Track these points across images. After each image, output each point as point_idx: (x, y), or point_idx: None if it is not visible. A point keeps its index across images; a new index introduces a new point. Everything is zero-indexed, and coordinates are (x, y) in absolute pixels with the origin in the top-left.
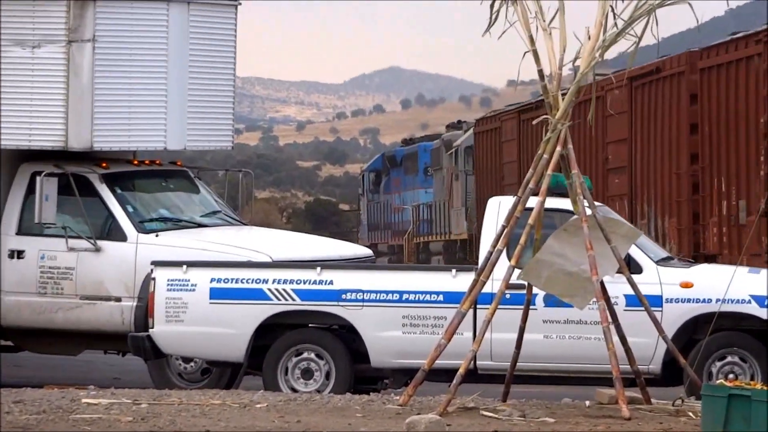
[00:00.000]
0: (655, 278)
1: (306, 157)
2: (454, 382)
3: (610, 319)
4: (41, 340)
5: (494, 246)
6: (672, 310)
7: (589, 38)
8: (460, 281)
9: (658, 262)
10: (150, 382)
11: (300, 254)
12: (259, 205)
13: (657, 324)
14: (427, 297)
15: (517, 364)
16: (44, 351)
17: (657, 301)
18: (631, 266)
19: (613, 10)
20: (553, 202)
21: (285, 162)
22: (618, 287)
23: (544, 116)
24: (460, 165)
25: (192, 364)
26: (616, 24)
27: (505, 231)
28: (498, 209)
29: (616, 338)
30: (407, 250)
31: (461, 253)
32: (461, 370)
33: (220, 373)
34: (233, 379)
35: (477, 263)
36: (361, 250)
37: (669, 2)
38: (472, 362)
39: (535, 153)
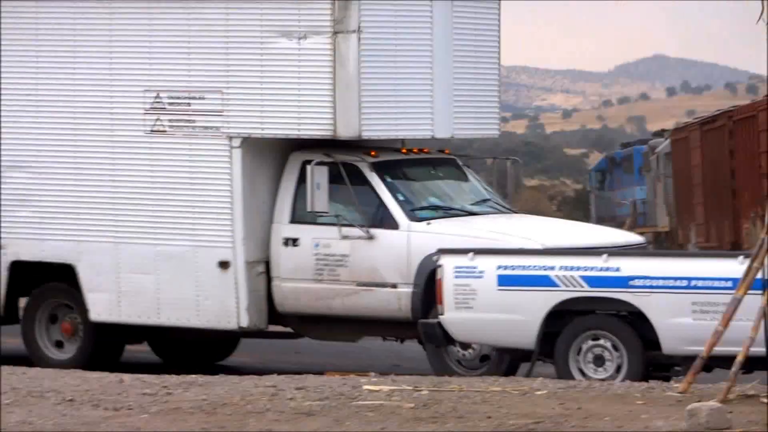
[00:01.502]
0: None
1: (573, 145)
2: (734, 368)
3: None
4: (320, 326)
5: (766, 232)
6: None
7: None
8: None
9: None
10: (429, 369)
11: (572, 241)
12: (528, 193)
13: None
14: (716, 283)
15: None
16: (323, 337)
17: None
18: None
19: None
20: None
21: (553, 150)
22: None
23: None
24: (661, 168)
25: (470, 350)
26: None
27: None
28: None
29: None
30: None
31: (667, 243)
32: (740, 357)
33: (499, 360)
34: (512, 366)
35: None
36: (633, 238)
37: None
38: (765, 347)
39: (717, 159)
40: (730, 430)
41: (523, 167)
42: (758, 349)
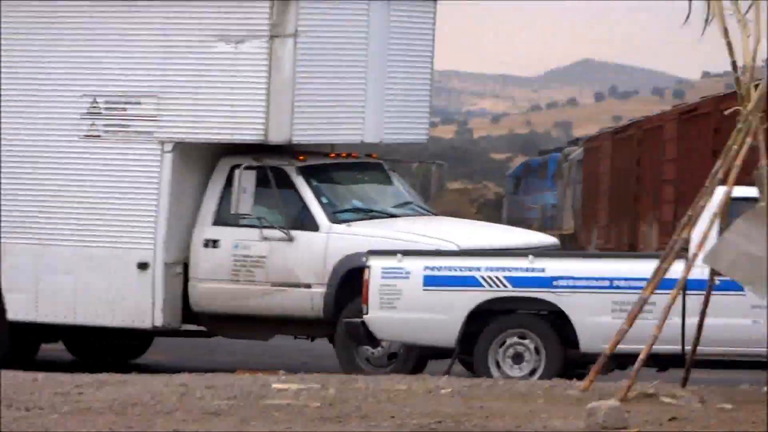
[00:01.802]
0: None
1: (500, 150)
2: (635, 367)
3: None
4: (233, 325)
5: (678, 234)
6: None
7: None
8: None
9: None
10: (338, 367)
11: (487, 243)
12: (451, 196)
13: None
14: (637, 283)
15: (732, 350)
16: (236, 336)
17: None
18: None
19: None
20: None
21: (478, 154)
22: None
23: (736, 107)
24: (573, 175)
25: (379, 348)
26: None
27: (689, 220)
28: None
29: None
30: None
31: (570, 245)
32: (642, 356)
33: (406, 358)
34: (420, 363)
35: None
36: (547, 239)
37: None
38: (680, 346)
39: (624, 167)
40: (626, 430)
41: (448, 171)
42: (671, 347)
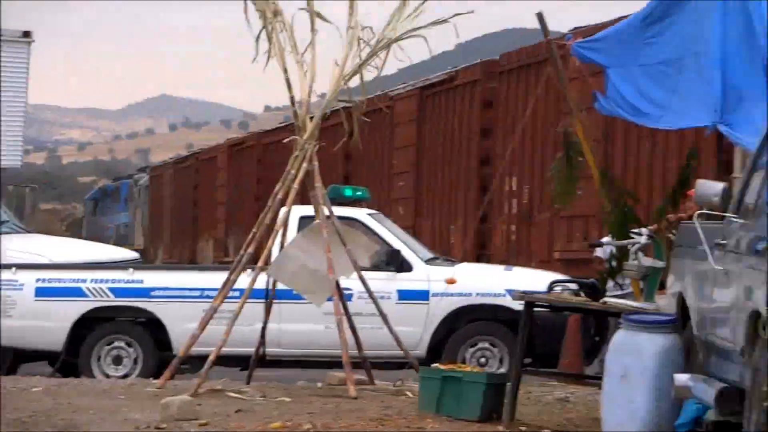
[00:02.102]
0: (424, 275)
1: (86, 174)
2: (205, 367)
3: (342, 312)
4: None
5: (245, 249)
6: (438, 302)
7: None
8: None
9: (426, 261)
10: None
11: (78, 257)
12: (42, 216)
13: (382, 315)
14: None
15: (305, 350)
16: None
17: (425, 295)
18: (403, 265)
19: (359, 43)
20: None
21: (67, 178)
22: (392, 284)
23: (293, 137)
24: (141, 198)
25: None
26: (360, 55)
27: (253, 237)
28: (294, 220)
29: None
30: None
31: (141, 259)
32: (211, 357)
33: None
34: (12, 365)
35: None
36: (129, 254)
37: (405, 37)
38: (262, 349)
39: (184, 191)
40: (197, 420)
41: (40, 193)
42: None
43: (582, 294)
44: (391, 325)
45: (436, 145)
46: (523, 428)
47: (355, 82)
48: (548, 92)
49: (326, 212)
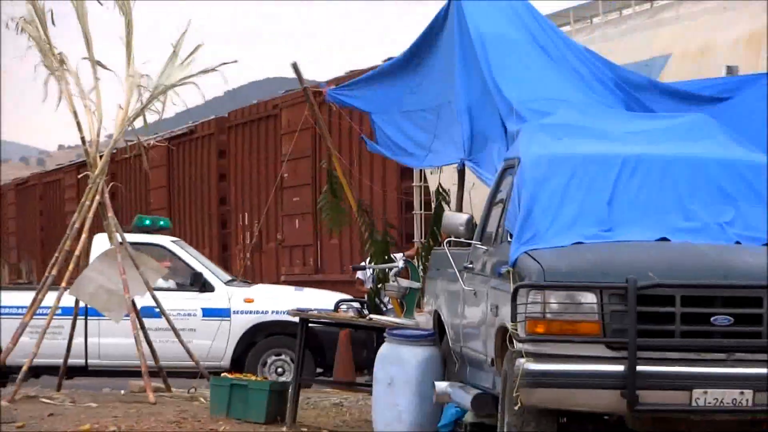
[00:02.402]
0: (225, 295)
1: None
2: (20, 376)
3: (138, 327)
4: None
5: (49, 271)
6: (238, 319)
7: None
8: (70, 298)
9: (226, 283)
10: None
11: None
12: None
13: (175, 330)
14: (42, 310)
15: (121, 361)
16: None
17: (227, 312)
18: (205, 286)
19: (139, 89)
20: (134, 237)
21: None
22: (197, 302)
23: (86, 173)
24: None
25: None
26: (141, 100)
27: (56, 260)
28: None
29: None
30: None
31: None
32: (24, 367)
33: None
34: None
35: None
36: None
37: (179, 84)
38: (84, 359)
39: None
40: (15, 423)
41: None
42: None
43: (363, 312)
44: (182, 338)
45: (184, 187)
46: (304, 429)
47: (140, 123)
48: (267, 142)
49: (119, 239)
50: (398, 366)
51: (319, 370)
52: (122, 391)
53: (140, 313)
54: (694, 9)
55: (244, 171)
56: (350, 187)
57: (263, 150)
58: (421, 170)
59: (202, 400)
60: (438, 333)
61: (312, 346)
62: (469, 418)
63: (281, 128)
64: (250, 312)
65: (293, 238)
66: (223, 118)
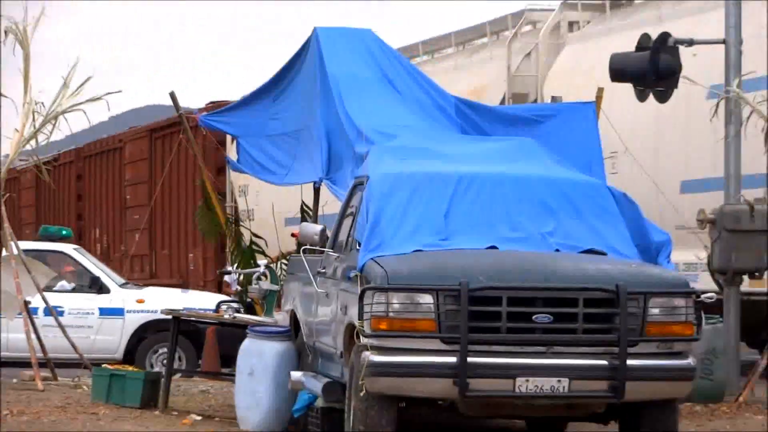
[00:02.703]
0: (120, 296)
1: None
2: None
3: (30, 324)
4: None
5: None
6: (131, 318)
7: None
8: None
9: (120, 285)
10: None
11: None
12: None
13: (61, 327)
14: None
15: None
16: None
17: (121, 311)
18: (102, 289)
19: (33, 115)
20: (40, 245)
21: None
22: (94, 302)
23: None
24: None
25: None
26: (35, 125)
27: None
28: None
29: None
30: None
31: None
32: None
33: None
34: None
35: None
36: None
37: (69, 111)
38: None
39: None
40: None
41: None
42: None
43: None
44: (68, 334)
45: (50, 205)
46: (175, 413)
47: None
48: (113, 170)
49: (14, 248)
50: (258, 358)
51: (200, 361)
52: (14, 380)
53: (45, 312)
54: None
55: (96, 193)
56: (219, 202)
57: (111, 176)
58: None
59: (84, 388)
60: (294, 329)
61: (194, 341)
62: (320, 403)
63: (125, 158)
64: (141, 311)
65: (134, 249)
66: (80, 148)
